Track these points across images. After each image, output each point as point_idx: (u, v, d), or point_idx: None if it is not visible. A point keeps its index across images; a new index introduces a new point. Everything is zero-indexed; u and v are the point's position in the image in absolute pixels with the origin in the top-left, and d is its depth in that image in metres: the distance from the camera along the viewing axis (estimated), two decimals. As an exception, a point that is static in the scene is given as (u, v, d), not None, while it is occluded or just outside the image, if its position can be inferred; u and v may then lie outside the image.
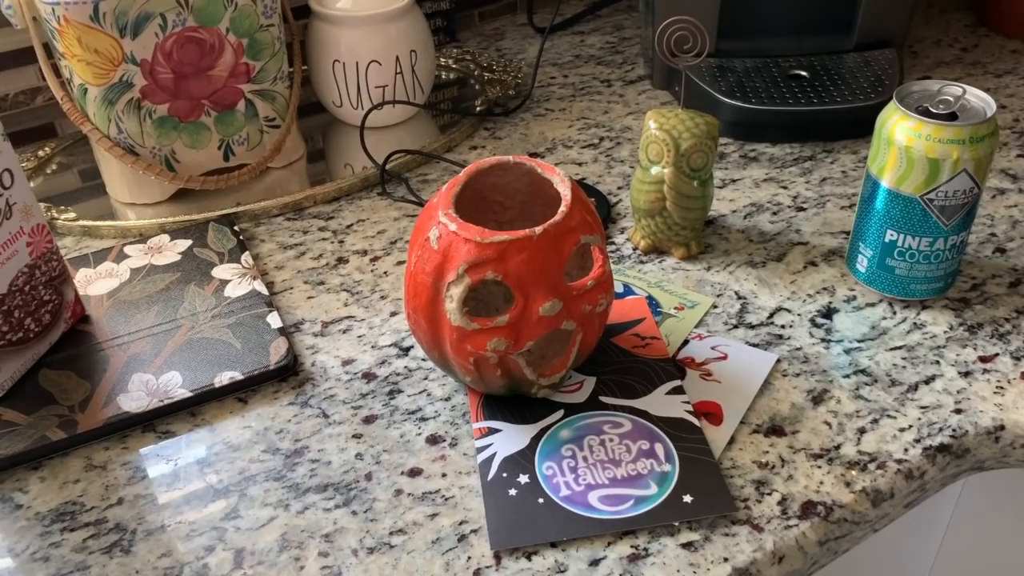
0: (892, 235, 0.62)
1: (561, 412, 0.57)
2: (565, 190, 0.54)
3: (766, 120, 0.83)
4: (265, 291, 0.66)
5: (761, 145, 0.84)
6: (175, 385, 0.59)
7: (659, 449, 0.54)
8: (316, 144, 0.87)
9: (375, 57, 0.82)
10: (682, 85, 0.68)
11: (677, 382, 0.59)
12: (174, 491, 0.54)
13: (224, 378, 0.59)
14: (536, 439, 0.55)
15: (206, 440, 0.57)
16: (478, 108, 0.90)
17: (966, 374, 0.59)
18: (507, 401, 0.58)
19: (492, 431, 0.56)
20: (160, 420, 0.58)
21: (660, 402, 0.57)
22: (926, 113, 0.59)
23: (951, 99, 0.59)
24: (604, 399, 0.58)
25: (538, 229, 0.51)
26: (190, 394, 0.58)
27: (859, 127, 0.84)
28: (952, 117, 0.58)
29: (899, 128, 0.59)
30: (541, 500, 0.51)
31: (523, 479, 0.53)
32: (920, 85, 0.61)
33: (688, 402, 0.57)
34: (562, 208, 0.53)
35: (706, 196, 0.67)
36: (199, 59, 0.73)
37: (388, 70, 0.83)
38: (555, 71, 0.99)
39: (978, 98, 0.60)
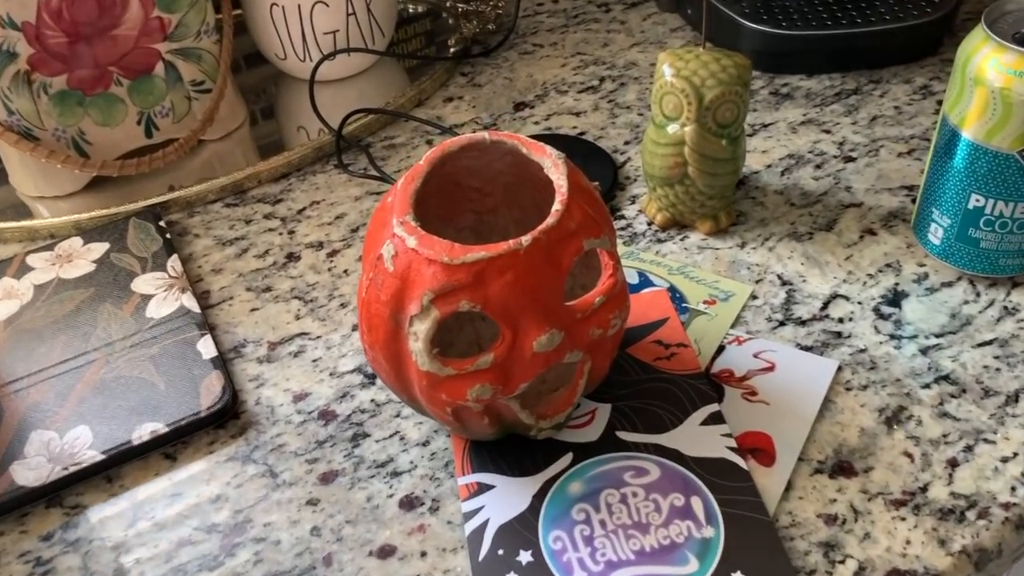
0: (978, 200, 0.49)
1: (569, 457, 0.45)
2: (559, 178, 0.41)
3: (799, 47, 0.68)
4: (196, 307, 0.54)
5: (795, 78, 0.70)
6: (84, 445, 0.47)
7: (697, 505, 0.42)
8: (264, 101, 0.73)
9: (322, -4, 0.68)
10: (704, 13, 0.53)
11: (714, 407, 0.46)
12: (83, 591, 0.42)
13: (144, 432, 0.47)
14: (539, 497, 0.43)
15: (126, 516, 0.45)
16: (452, 49, 0.75)
17: (1079, 375, 0.46)
18: (500, 445, 0.46)
19: (483, 488, 0.44)
20: (68, 491, 0.46)
21: (694, 436, 0.45)
22: (1026, 42, 0.45)
23: (1059, 21, 0.45)
24: (622, 435, 0.46)
25: (526, 239, 0.38)
26: (103, 457, 0.46)
27: (910, 50, 0.70)
28: (1061, 46, 0.45)
29: (990, 64, 0.45)
30: (549, 587, 0.40)
31: (525, 557, 0.41)
32: (1015, 3, 0.47)
33: (730, 435, 0.45)
34: (556, 206, 0.40)
35: (737, 157, 0.54)
36: (98, 16, 0.58)
37: (338, 11, 0.69)
38: (542, -4, 0.84)
39: (1095, 18, 0.46)
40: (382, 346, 0.41)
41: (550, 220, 0.39)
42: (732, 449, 0.44)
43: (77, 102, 0.61)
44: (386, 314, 0.40)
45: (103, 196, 0.64)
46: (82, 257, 0.58)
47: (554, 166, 0.42)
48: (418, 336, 0.39)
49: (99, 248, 0.59)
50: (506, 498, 0.43)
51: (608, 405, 0.47)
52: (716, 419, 0.46)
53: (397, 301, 0.39)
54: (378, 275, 0.40)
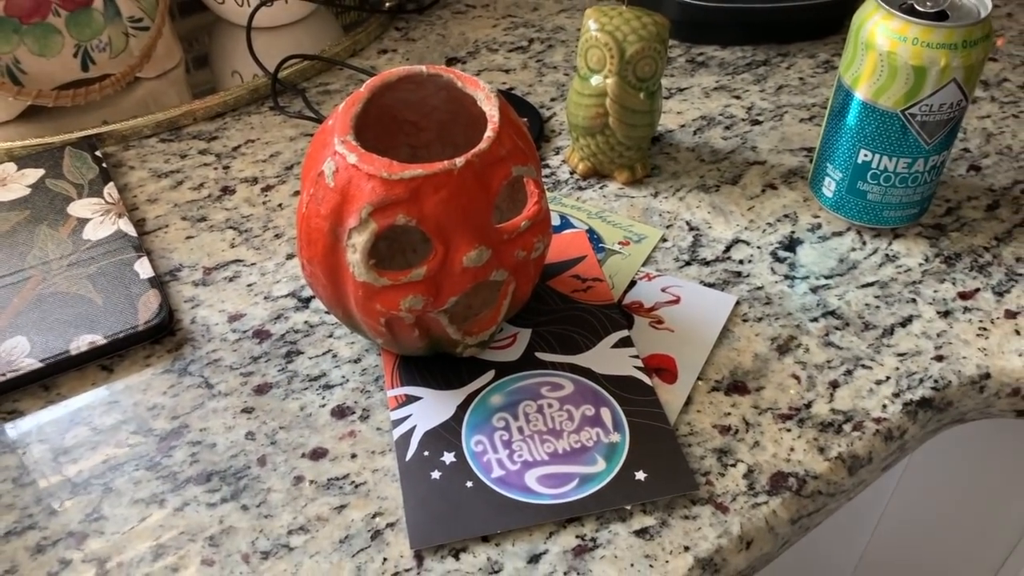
0: (866, 155, 0.54)
1: (492, 373, 0.48)
2: (492, 109, 0.44)
3: (716, 19, 0.73)
4: (133, 231, 0.55)
5: (710, 48, 0.74)
6: (21, 354, 0.48)
7: (606, 415, 0.46)
8: (198, 49, 0.74)
9: (262, -57, 0.69)
10: (626, -22, 0.57)
11: (624, 332, 0.50)
12: (21, 488, 0.44)
13: (82, 343, 0.48)
14: (463, 408, 0.47)
15: (62, 421, 0.47)
16: (387, 4, 0.78)
17: (946, 314, 0.52)
18: (428, 362, 0.49)
19: (410, 399, 0.47)
20: (4, 397, 0.48)
21: (605, 357, 0.49)
22: (911, 12, 0.50)
23: (940, -5, 0.50)
24: (541, 355, 0.49)
25: (459, 160, 0.41)
26: (40, 365, 0.47)
27: (816, 27, 0.75)
28: (941, 17, 0.50)
29: (880, 30, 0.50)
30: (470, 483, 0.43)
31: (448, 458, 0.44)
32: (904, -22, 0.52)
33: (637, 356, 0.49)
34: (488, 133, 0.43)
35: (654, 110, 0.58)
36: (38, -56, 0.59)
37: (278, -41, 0.71)
38: (475, -39, 0.87)
39: (970, -6, 0.51)
40: (320, 259, 0.43)
41: (482, 145, 0.42)
42: (639, 368, 0.48)
43: (13, 30, 0.62)
44: (325, 228, 0.42)
45: (37, 126, 0.65)
46: (16, 182, 0.59)
47: (487, 98, 0.45)
48: (356, 248, 0.42)
49: (34, 174, 0.59)
50: (432, 408, 0.47)
51: (529, 330, 0.51)
52: (626, 343, 0.50)
53: (337, 215, 0.42)
54: (319, 190, 0.42)
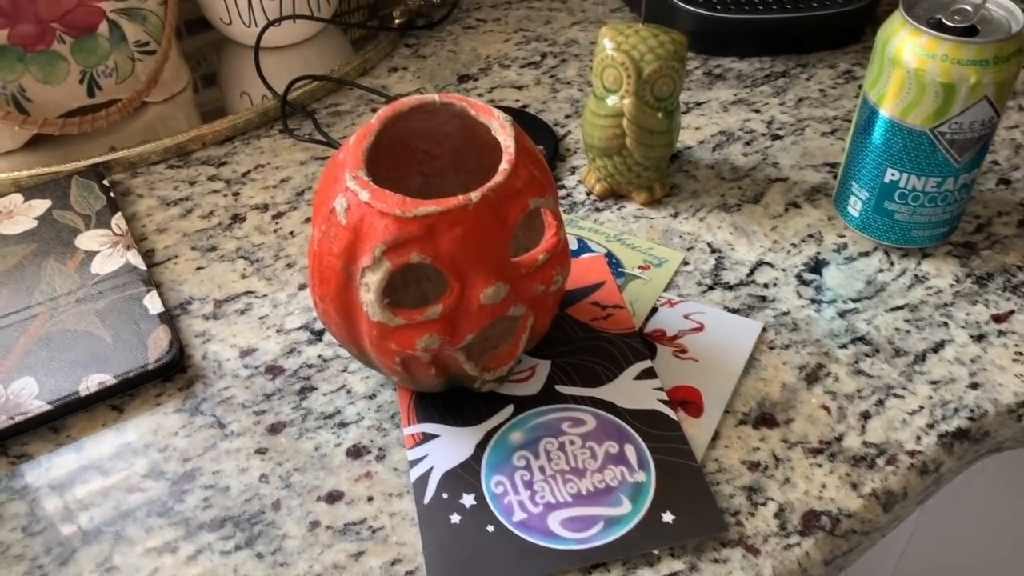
0: (893, 174, 0.52)
1: (511, 408, 0.47)
2: (507, 139, 0.43)
3: (732, 30, 0.71)
4: (142, 264, 0.54)
5: (727, 60, 0.73)
6: (30, 396, 0.47)
7: (630, 452, 0.45)
8: (206, 67, 0.73)
9: (268, -38, 0.68)
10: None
11: (647, 363, 0.49)
12: (31, 537, 0.43)
13: (92, 383, 0.47)
14: (482, 446, 0.45)
15: (72, 464, 0.46)
16: (397, 21, 0.76)
17: (979, 338, 0.50)
18: (444, 397, 0.48)
19: (427, 437, 0.46)
20: (13, 440, 0.47)
21: (628, 390, 0.48)
22: (939, 27, 0.48)
23: (969, 8, 0.49)
24: (561, 389, 0.48)
25: (475, 195, 0.40)
26: (49, 407, 0.46)
27: (835, 36, 0.73)
28: (971, 32, 0.48)
29: (907, 46, 0.48)
30: (491, 528, 0.42)
31: (468, 500, 0.43)
32: (931, -9, 0.51)
33: (661, 388, 0.48)
34: (504, 165, 0.42)
35: (672, 129, 0.56)
36: (41, -29, 0.58)
37: (285, -22, 0.69)
38: (485, -27, 0.86)
39: (1001, 7, 0.49)
40: (333, 298, 0.42)
41: (498, 178, 0.41)
42: (663, 402, 0.47)
43: (17, 58, 0.61)
44: (338, 266, 0.41)
45: (43, 155, 0.64)
46: (23, 214, 0.58)
47: (501, 128, 0.43)
48: (370, 287, 0.40)
49: (41, 205, 0.58)
50: (450, 447, 0.45)
51: (548, 361, 0.49)
52: (649, 374, 0.48)
53: (349, 253, 0.41)
54: (330, 228, 0.41)
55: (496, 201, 0.41)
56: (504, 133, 0.43)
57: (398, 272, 0.51)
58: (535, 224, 0.50)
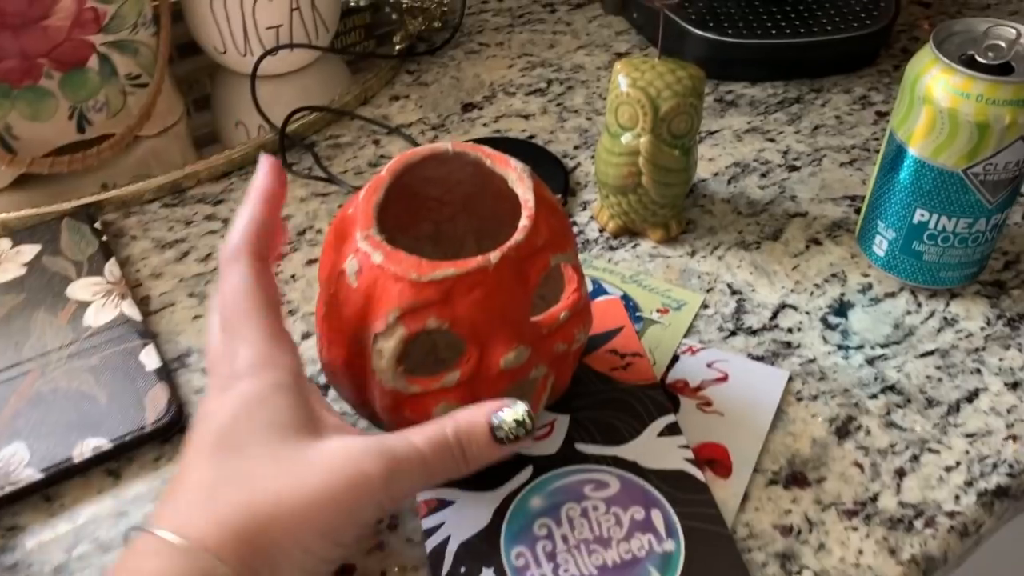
0: (922, 215, 0.50)
1: (529, 470, 0.45)
2: (525, 192, 0.41)
3: (744, 55, 0.69)
4: (138, 315, 0.51)
5: (738, 85, 0.71)
6: (20, 463, 0.44)
7: (657, 519, 0.42)
8: (198, 92, 0.71)
9: (264, -11, 0.65)
10: (659, 26, 0.53)
11: (671, 418, 0.47)
12: (24, 619, 0.40)
13: (86, 448, 0.45)
14: (500, 512, 0.43)
15: (67, 537, 0.43)
16: (397, 47, 0.74)
17: (1014, 385, 0.48)
18: (459, 459, 0.45)
19: (443, 504, 0.43)
20: (4, 511, 0.44)
21: (652, 448, 0.45)
22: (972, 64, 0.46)
23: (1003, 45, 0.47)
24: (582, 447, 0.46)
25: (494, 256, 0.38)
26: (41, 475, 0.44)
27: (849, 60, 0.71)
28: (1005, 69, 0.46)
29: (939, 84, 0.46)
30: (513, 604, 0.40)
31: (488, 574, 0.41)
32: (963, 25, 0.48)
33: (687, 446, 0.45)
34: (524, 221, 0.39)
35: (689, 167, 0.54)
36: (27, 6, 0.55)
37: (282, 5, 0.67)
38: (486, -7, 0.83)
39: (1035, 43, 0.47)
40: (343, 364, 0.40)
41: (518, 236, 0.39)
42: (689, 461, 0.45)
43: (3, 95, 0.58)
44: (348, 332, 0.39)
45: (32, 194, 0.61)
46: (11, 260, 0.55)
47: (519, 180, 0.41)
48: (383, 354, 0.38)
49: (30, 250, 0.56)
50: (467, 514, 0.43)
51: (567, 416, 0.47)
52: (673, 430, 0.46)
53: (361, 319, 0.38)
54: (340, 291, 0.39)
55: (517, 261, 0.38)
56: (522, 186, 0.41)
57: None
58: (551, 274, 0.48)
